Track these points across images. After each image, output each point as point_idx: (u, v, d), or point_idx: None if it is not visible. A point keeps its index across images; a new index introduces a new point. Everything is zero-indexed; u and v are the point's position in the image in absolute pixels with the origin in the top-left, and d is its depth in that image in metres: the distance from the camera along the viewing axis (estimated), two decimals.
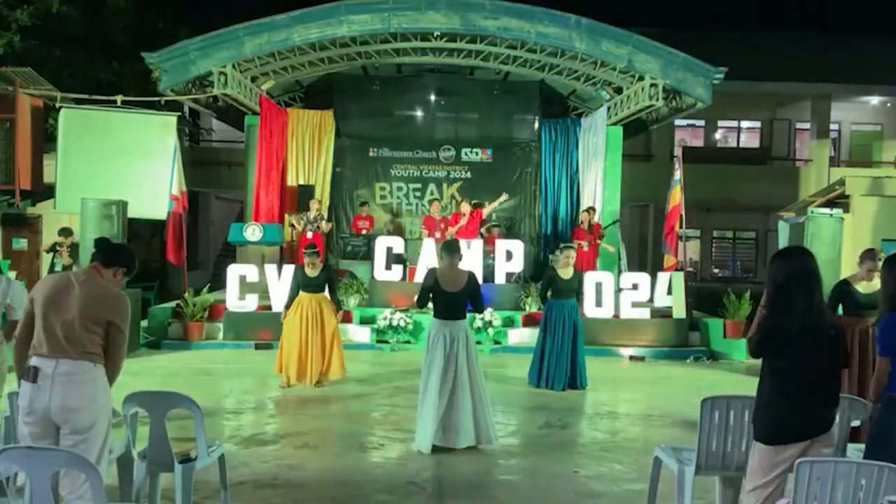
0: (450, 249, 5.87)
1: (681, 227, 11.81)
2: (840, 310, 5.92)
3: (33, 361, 3.40)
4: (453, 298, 5.70)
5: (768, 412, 3.29)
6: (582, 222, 11.91)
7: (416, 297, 6.03)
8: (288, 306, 7.75)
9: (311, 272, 7.66)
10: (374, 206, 14.02)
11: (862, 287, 5.80)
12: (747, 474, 3.38)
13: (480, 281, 11.11)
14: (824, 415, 3.27)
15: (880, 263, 5.73)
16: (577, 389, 7.87)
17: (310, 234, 12.18)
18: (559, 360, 7.83)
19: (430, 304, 5.88)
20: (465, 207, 11.99)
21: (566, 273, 7.91)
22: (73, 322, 3.40)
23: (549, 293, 7.99)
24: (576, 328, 7.93)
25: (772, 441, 3.24)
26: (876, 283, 5.79)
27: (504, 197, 12.78)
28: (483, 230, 12.20)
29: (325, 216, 12.87)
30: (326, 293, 7.82)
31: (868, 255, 5.91)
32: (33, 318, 3.46)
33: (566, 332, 7.86)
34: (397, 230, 13.57)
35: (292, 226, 12.76)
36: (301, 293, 7.68)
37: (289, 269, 9.43)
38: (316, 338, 7.60)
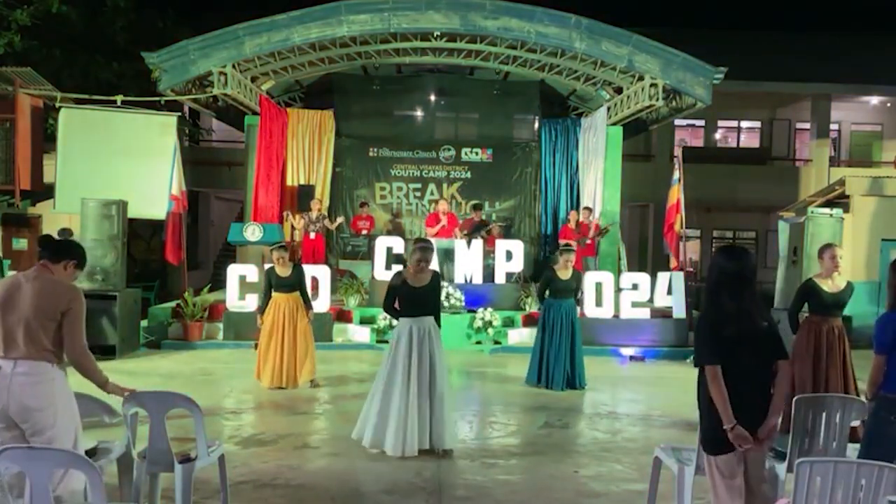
0: (422, 247, 5.68)
1: (681, 227, 11.81)
2: (806, 308, 5.94)
3: None
4: (419, 294, 5.57)
5: (711, 420, 3.26)
6: (569, 221, 11.96)
7: (383, 303, 5.89)
8: (262, 310, 7.64)
9: (283, 272, 7.54)
10: (374, 206, 14.03)
11: (827, 286, 5.78)
12: (711, 493, 3.30)
13: (480, 281, 11.15)
14: (758, 412, 3.22)
15: (840, 259, 5.79)
16: (576, 389, 7.88)
17: (312, 235, 12.15)
18: (558, 360, 7.84)
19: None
20: (443, 206, 11.95)
21: (565, 273, 7.93)
22: (28, 319, 3.43)
23: (547, 293, 8.02)
24: (574, 328, 7.94)
25: (720, 451, 3.22)
26: (840, 283, 5.79)
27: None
28: (484, 232, 12.18)
29: (326, 216, 12.88)
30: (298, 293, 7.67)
31: (826, 248, 5.89)
32: None
33: (564, 331, 7.87)
34: (397, 230, 13.57)
35: (292, 226, 12.73)
36: (275, 294, 7.58)
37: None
38: (292, 339, 7.51)
